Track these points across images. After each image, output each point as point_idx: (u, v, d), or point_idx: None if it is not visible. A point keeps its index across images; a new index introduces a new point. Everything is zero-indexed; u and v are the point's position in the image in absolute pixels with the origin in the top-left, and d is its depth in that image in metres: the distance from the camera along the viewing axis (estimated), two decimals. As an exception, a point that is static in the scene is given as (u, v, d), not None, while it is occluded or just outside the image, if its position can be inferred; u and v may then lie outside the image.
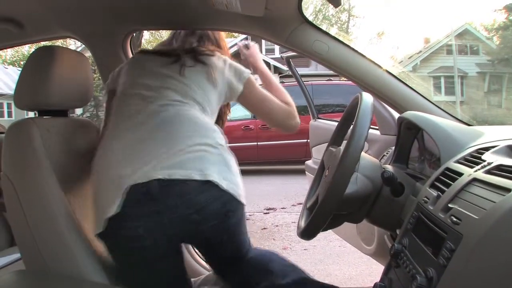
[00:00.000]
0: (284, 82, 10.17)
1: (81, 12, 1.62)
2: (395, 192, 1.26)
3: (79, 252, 1.24)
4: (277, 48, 19.86)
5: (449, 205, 0.86)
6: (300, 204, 5.28)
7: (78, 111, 16.96)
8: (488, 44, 22.64)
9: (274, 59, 18.65)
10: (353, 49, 1.69)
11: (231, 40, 22.81)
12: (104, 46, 1.87)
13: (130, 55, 1.92)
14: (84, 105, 1.57)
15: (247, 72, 1.56)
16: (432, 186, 1.04)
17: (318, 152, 2.84)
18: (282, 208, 5.44)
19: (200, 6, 1.53)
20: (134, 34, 1.94)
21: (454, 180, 0.94)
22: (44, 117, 1.41)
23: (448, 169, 1.04)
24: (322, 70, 18.62)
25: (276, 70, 18.28)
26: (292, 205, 5.58)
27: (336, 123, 2.82)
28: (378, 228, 1.74)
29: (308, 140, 3.14)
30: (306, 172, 2.91)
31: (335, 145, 1.53)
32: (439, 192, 0.95)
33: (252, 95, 1.57)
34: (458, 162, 1.05)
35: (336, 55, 1.68)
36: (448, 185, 0.95)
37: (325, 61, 1.70)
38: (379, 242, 1.86)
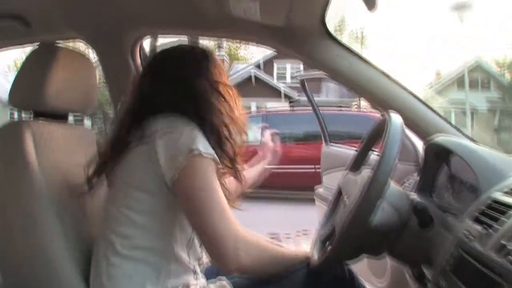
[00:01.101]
0: (294, 109, 10.13)
1: (90, 13, 1.53)
2: (423, 224, 1.12)
3: (62, 268, 1.11)
4: (288, 75, 20.04)
5: (502, 242, 0.73)
6: (305, 231, 5.16)
7: (86, 123, 17.01)
8: (500, 80, 22.61)
9: (285, 85, 18.74)
10: (376, 68, 1.59)
11: (244, 67, 23.00)
12: (112, 50, 1.77)
13: (139, 62, 1.83)
14: (86, 111, 1.46)
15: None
16: (475, 220, 0.90)
17: (329, 179, 2.75)
18: (285, 234, 5.28)
19: (216, 11, 1.43)
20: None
21: (503, 213, 0.81)
22: (40, 120, 1.30)
23: (494, 200, 0.90)
24: (332, 97, 18.67)
25: (286, 97, 18.32)
26: (297, 231, 5.43)
27: (349, 150, 2.72)
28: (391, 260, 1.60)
29: (317, 168, 3.07)
30: (315, 199, 2.80)
31: (354, 171, 1.43)
32: (487, 228, 0.81)
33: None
34: (505, 193, 0.91)
35: (358, 72, 1.58)
36: (495, 219, 0.81)
37: (345, 78, 1.60)
38: (392, 276, 1.72)
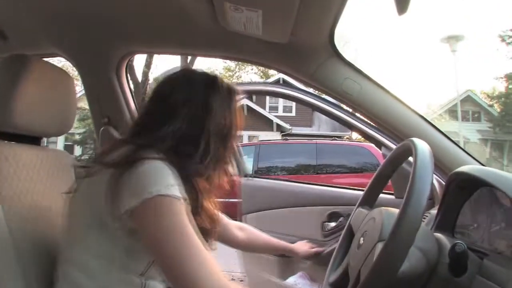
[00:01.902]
0: (288, 139, 10.03)
1: (72, 27, 1.37)
2: (457, 271, 0.94)
3: None
4: (280, 106, 20.03)
5: None
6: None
7: (77, 152, 16.74)
8: (490, 111, 22.89)
9: (278, 116, 18.72)
10: (390, 93, 1.44)
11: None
12: (96, 68, 1.60)
13: (125, 83, 1.66)
14: (62, 134, 1.29)
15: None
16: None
17: (253, 221, 2.22)
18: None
19: (212, 26, 1.26)
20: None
21: None
22: (6, 142, 1.12)
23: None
24: (324, 130, 18.66)
25: (279, 128, 18.27)
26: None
27: (276, 182, 2.34)
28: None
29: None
30: None
31: (367, 206, 1.26)
32: None
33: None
34: None
35: (369, 97, 1.43)
36: None
37: (355, 103, 1.45)
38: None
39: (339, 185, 2.13)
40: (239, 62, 27.30)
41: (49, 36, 1.45)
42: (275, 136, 17.30)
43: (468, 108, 22.03)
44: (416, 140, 0.98)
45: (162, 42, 1.50)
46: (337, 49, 1.38)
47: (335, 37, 1.34)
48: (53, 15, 1.33)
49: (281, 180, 2.52)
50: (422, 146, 0.94)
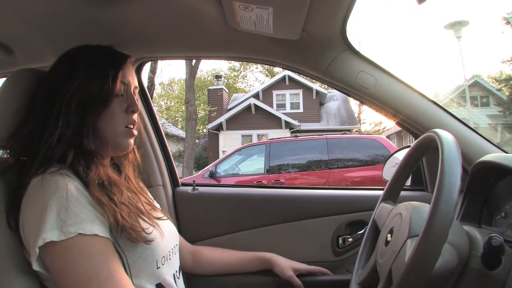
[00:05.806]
0: (298, 136, 9.98)
1: (78, 38, 1.34)
2: (491, 264, 0.91)
3: None
4: (288, 103, 20.00)
5: None
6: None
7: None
8: (498, 95, 22.67)
9: (285, 114, 18.68)
10: (405, 84, 1.40)
11: (242, 95, 23.25)
12: None
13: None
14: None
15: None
16: None
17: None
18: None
19: (222, 27, 1.24)
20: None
21: None
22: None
23: None
24: (333, 125, 18.60)
25: (287, 125, 18.23)
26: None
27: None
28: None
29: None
30: None
31: (390, 201, 1.23)
32: None
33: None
34: None
35: (385, 89, 1.39)
36: None
37: (371, 97, 1.41)
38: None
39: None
40: (244, 62, 27.20)
41: (55, 48, 1.42)
42: (284, 133, 17.27)
43: (476, 93, 21.89)
44: (440, 131, 0.95)
45: (172, 48, 1.47)
46: (349, 43, 1.34)
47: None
48: (57, 26, 1.30)
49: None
50: (447, 137, 0.91)
